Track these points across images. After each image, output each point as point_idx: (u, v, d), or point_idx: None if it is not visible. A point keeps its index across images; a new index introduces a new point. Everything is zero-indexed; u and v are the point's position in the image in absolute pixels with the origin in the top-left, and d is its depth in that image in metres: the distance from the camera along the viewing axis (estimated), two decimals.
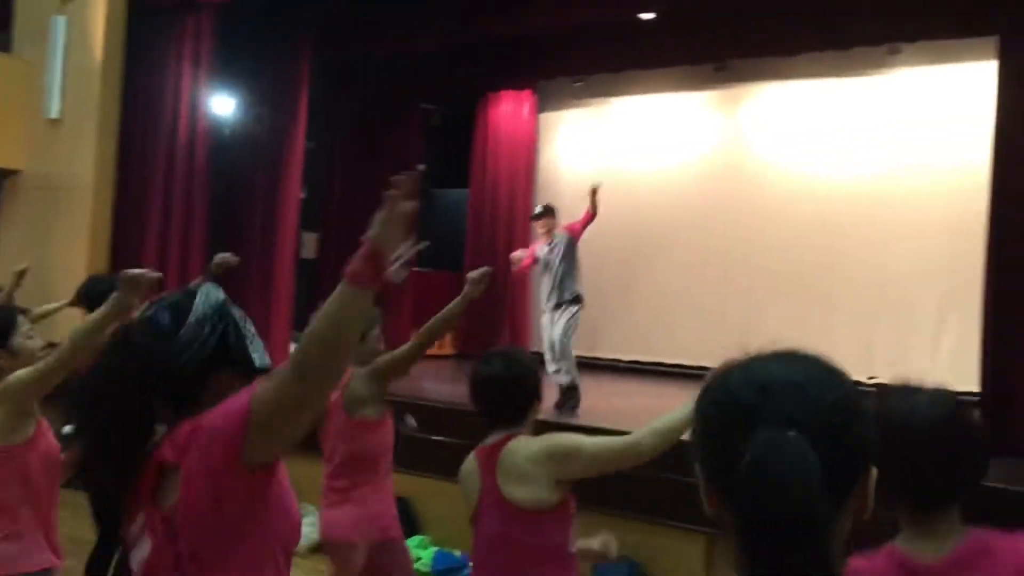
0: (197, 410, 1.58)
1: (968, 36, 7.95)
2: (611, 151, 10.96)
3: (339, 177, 10.65)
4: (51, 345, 3.12)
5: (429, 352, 3.85)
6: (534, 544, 2.56)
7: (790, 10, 8.11)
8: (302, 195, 9.40)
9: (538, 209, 7.69)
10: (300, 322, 9.10)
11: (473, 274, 3.55)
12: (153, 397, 1.61)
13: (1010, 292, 6.59)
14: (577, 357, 7.33)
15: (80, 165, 7.81)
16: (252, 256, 8.65)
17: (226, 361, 1.68)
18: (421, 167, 11.62)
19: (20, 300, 4.67)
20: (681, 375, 9.29)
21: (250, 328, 1.75)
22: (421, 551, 5.92)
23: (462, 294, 3.55)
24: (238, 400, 1.51)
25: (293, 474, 1.78)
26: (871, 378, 8.43)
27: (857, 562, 1.41)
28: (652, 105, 10.81)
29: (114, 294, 2.92)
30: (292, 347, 8.38)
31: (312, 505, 4.76)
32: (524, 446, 2.62)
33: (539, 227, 7.54)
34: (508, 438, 2.65)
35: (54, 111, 8.01)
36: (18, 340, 3.06)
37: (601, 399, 7.39)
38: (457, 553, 5.91)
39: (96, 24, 7.86)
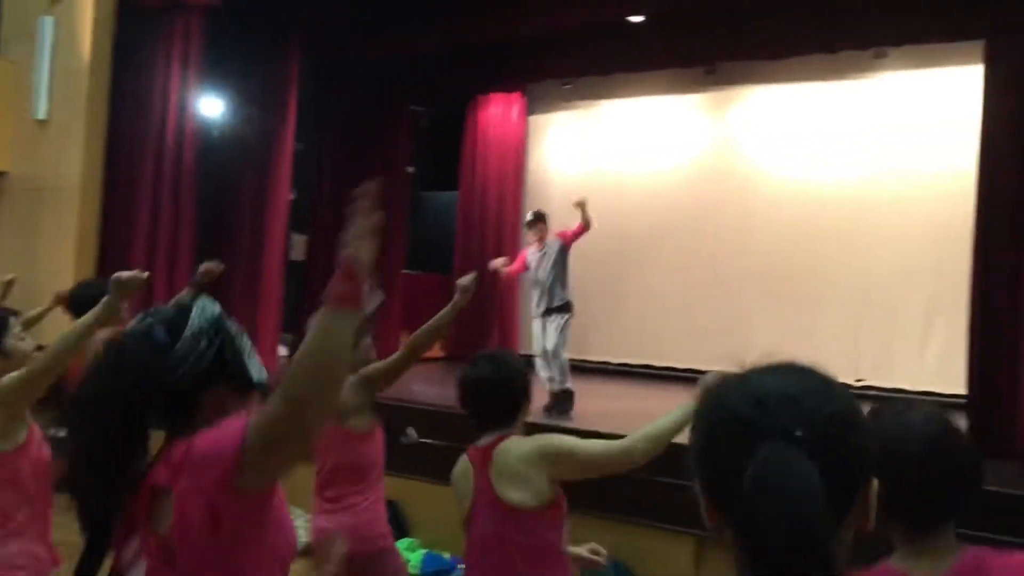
0: (192, 426, 1.56)
1: (955, 40, 8.01)
2: (600, 153, 10.98)
3: (328, 179, 10.61)
4: (41, 348, 3.11)
5: None
6: (528, 544, 2.57)
7: (779, 14, 8.13)
8: (291, 197, 9.37)
9: (530, 216, 7.71)
10: (289, 325, 9.10)
11: (462, 281, 3.49)
12: (146, 412, 1.58)
13: (996, 295, 6.62)
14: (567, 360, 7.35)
15: (68, 166, 7.75)
16: (240, 258, 8.62)
17: (222, 376, 1.65)
18: (410, 170, 11.63)
19: (7, 302, 4.66)
20: (670, 377, 9.32)
21: (246, 342, 1.72)
22: (410, 554, 5.91)
23: (452, 303, 3.49)
24: (232, 427, 1.47)
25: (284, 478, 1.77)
26: (859, 380, 8.49)
27: None
28: (641, 108, 10.83)
29: (105, 298, 2.91)
30: (280, 349, 8.24)
31: (300, 509, 4.74)
32: (516, 446, 2.64)
33: (531, 234, 7.56)
34: (500, 439, 2.67)
35: (41, 112, 7.96)
36: (10, 342, 3.04)
37: (590, 402, 7.39)
38: (447, 556, 5.91)
39: (84, 25, 7.81)
